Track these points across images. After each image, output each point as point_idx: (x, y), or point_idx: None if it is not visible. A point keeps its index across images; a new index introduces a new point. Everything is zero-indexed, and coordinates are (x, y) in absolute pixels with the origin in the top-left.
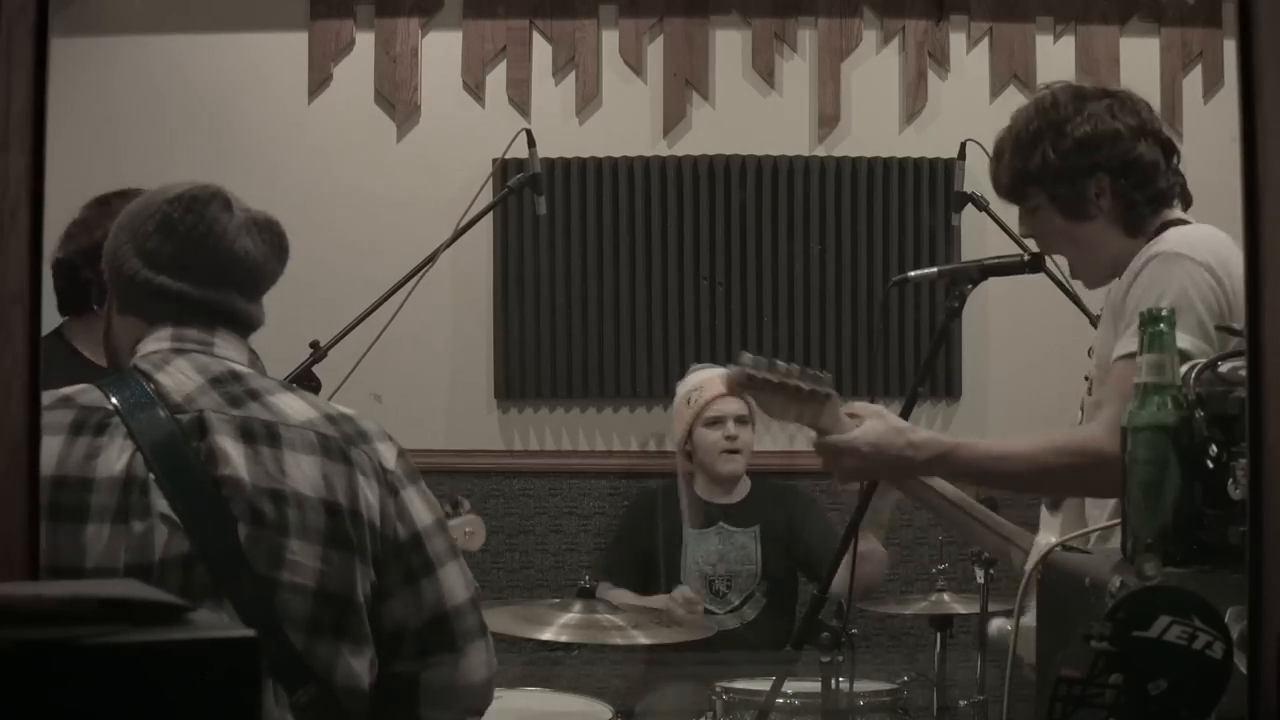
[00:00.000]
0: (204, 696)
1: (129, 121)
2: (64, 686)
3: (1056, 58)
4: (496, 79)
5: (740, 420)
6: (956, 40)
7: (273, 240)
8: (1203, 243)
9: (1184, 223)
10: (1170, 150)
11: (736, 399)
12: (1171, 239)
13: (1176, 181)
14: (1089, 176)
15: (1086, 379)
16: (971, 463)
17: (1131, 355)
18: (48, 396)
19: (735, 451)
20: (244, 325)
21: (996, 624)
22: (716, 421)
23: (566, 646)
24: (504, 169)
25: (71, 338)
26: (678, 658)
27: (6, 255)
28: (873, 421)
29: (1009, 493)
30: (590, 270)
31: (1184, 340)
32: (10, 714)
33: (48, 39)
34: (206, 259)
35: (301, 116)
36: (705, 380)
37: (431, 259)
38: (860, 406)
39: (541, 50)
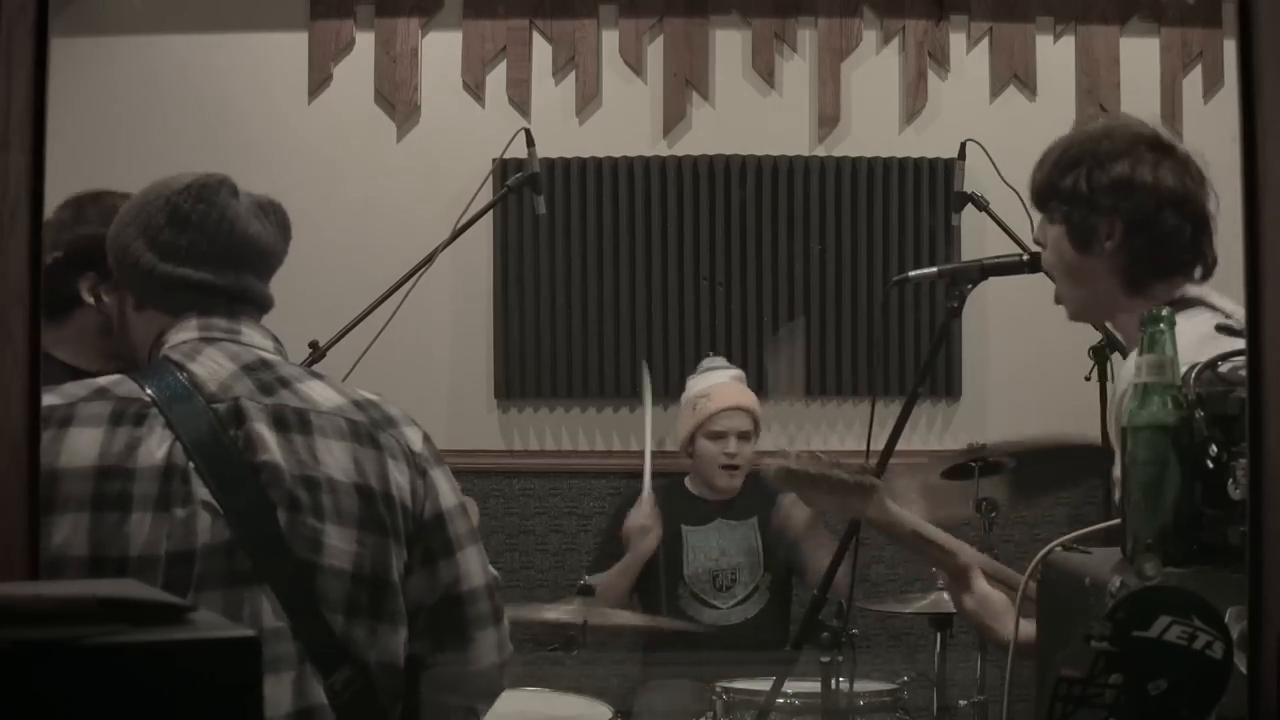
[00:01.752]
0: (204, 696)
1: (129, 121)
2: (64, 686)
3: (1056, 58)
4: (496, 79)
5: (743, 437)
6: (956, 40)
7: (279, 221)
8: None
9: (1190, 303)
10: (1202, 225)
11: (744, 412)
12: None
13: (1199, 257)
14: (1106, 216)
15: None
16: None
17: None
18: (83, 387)
19: (734, 468)
20: (261, 309)
21: None
22: (719, 436)
23: (566, 646)
24: (504, 169)
25: (48, 345)
26: (677, 658)
27: (6, 255)
28: (980, 594)
29: None
30: (590, 270)
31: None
32: (10, 714)
33: (48, 39)
34: (223, 246)
35: (301, 116)
36: (713, 388)
37: (430, 259)
38: (978, 561)
39: (541, 50)
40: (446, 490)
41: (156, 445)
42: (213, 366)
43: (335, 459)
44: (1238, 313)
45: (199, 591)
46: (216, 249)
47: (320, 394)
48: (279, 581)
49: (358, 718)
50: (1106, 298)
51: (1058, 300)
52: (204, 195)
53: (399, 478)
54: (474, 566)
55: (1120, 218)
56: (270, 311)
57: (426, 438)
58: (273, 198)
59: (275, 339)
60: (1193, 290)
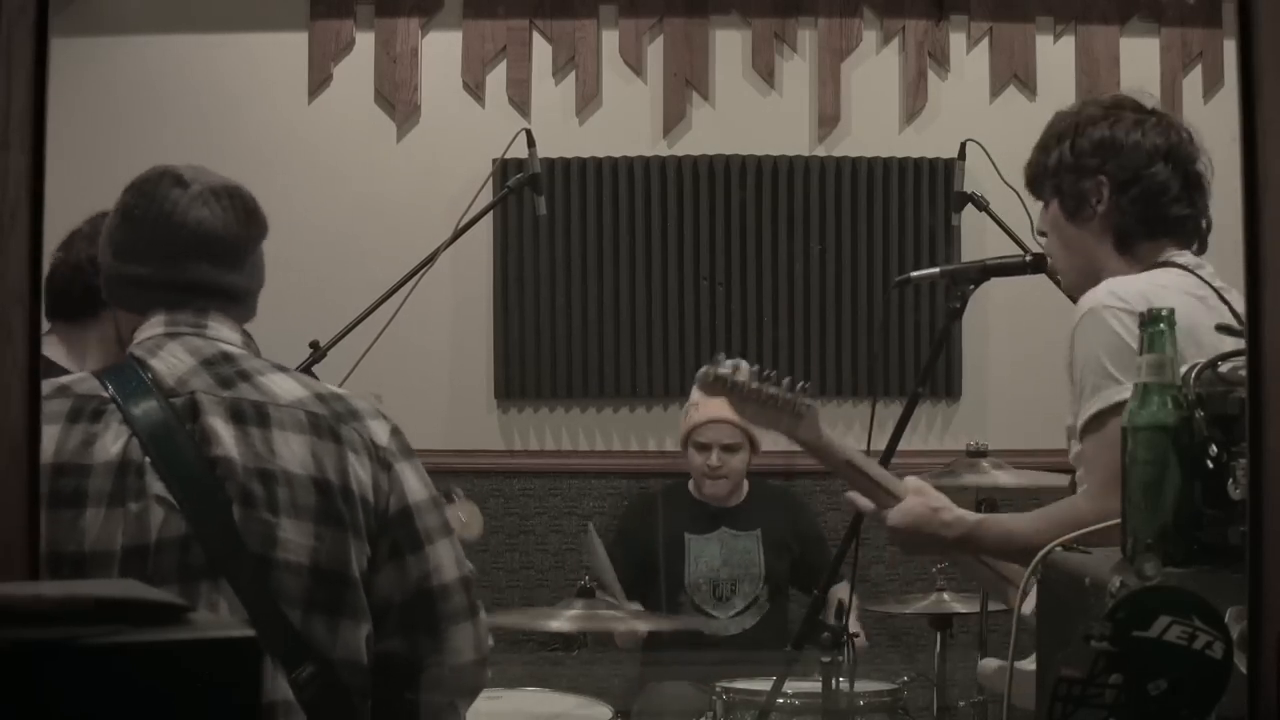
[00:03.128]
0: (203, 696)
1: (129, 121)
2: (64, 686)
3: (1056, 58)
4: (496, 79)
5: (727, 449)
6: (956, 40)
7: (234, 205)
8: (1129, 287)
9: (1170, 265)
10: (1194, 184)
11: (726, 425)
12: (1101, 291)
13: (1190, 217)
14: (1092, 178)
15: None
16: (990, 542)
17: (1093, 419)
18: (46, 386)
19: (719, 478)
20: (232, 298)
21: (986, 664)
22: (704, 447)
23: (566, 646)
24: (504, 169)
25: (47, 347)
26: (677, 658)
27: (6, 255)
28: (910, 500)
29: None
30: (590, 270)
31: (1124, 391)
32: (10, 714)
33: (48, 39)
34: (161, 237)
35: (301, 116)
36: (704, 397)
37: (431, 259)
38: (909, 483)
39: (541, 50)
40: (414, 484)
41: (112, 441)
42: (172, 361)
43: (293, 452)
44: (1215, 282)
45: (155, 585)
46: (157, 241)
47: (281, 387)
48: (235, 575)
49: (325, 713)
50: (1098, 260)
51: (1059, 276)
52: (144, 189)
53: (360, 472)
54: (446, 561)
55: (1106, 177)
56: (251, 298)
57: (395, 431)
58: (233, 182)
59: (245, 332)
60: (1179, 259)
